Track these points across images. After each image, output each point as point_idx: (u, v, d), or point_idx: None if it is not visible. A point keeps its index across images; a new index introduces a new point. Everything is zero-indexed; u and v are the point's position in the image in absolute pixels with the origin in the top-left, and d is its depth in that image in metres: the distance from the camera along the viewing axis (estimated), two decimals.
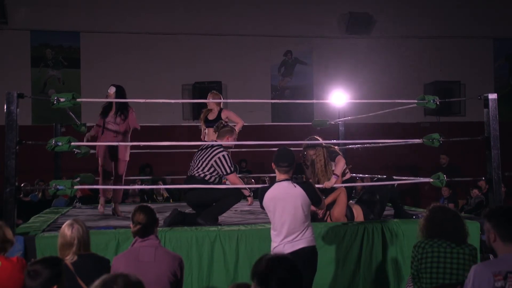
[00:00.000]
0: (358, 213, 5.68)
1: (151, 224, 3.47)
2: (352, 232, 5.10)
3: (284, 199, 3.93)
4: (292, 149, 4.23)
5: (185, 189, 5.63)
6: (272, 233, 4.06)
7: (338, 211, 5.54)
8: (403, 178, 6.50)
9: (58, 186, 4.85)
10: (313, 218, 5.39)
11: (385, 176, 6.52)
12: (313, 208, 5.47)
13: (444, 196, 10.68)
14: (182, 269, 3.45)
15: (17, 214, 4.87)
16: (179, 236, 4.83)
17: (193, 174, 5.56)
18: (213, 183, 5.52)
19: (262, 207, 4.15)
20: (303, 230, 3.96)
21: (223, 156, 5.47)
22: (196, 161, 5.60)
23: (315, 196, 4.05)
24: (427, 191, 12.12)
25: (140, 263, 3.33)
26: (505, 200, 7.53)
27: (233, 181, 5.54)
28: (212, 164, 5.47)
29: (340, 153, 6.24)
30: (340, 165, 5.90)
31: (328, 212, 5.58)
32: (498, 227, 2.89)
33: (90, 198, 9.88)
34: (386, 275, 5.12)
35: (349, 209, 5.66)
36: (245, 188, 5.67)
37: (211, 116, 7.08)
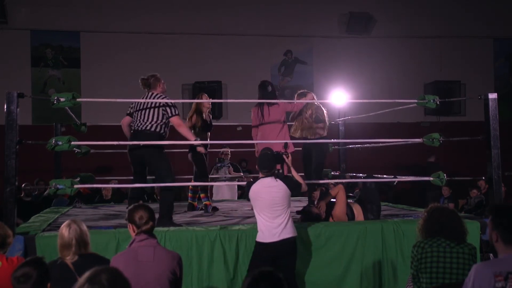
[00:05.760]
0: (358, 213, 5.70)
1: (154, 221, 3.52)
2: (352, 232, 5.10)
3: (266, 192, 4.43)
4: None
5: (136, 147, 5.53)
6: (257, 221, 4.49)
7: (339, 210, 5.56)
8: (392, 176, 6.49)
9: (58, 186, 4.85)
10: (317, 218, 5.41)
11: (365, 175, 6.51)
12: (316, 210, 5.52)
13: (444, 196, 10.69)
14: (181, 268, 3.44)
15: (17, 214, 4.86)
16: (179, 236, 4.83)
17: (139, 129, 5.53)
18: (160, 132, 5.52)
19: (248, 199, 4.62)
20: (285, 220, 4.41)
21: (167, 100, 5.58)
22: (140, 114, 5.58)
23: (294, 184, 4.57)
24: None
25: (139, 263, 3.32)
26: (505, 200, 7.51)
27: (177, 122, 5.57)
28: (161, 111, 5.51)
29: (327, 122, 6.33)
30: None
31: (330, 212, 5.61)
32: (501, 229, 2.82)
33: (90, 198, 9.90)
34: (386, 275, 5.11)
35: (349, 208, 5.68)
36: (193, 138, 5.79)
37: (209, 120, 6.96)
